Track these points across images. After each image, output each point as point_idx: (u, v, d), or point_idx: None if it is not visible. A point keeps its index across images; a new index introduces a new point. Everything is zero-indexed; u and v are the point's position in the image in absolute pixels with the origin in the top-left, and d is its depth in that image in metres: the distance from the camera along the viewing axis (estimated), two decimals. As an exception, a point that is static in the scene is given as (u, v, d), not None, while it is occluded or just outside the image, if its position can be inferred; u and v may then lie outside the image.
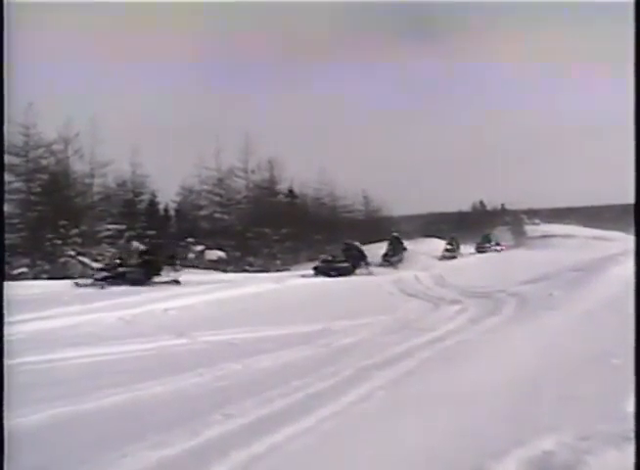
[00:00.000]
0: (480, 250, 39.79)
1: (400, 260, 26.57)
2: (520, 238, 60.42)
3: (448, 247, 35.10)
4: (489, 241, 42.58)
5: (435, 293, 15.12)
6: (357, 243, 25.08)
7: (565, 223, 62.98)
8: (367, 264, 24.32)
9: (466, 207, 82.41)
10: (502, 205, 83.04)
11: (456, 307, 11.44)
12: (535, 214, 77.46)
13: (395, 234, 28.60)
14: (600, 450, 3.44)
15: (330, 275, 21.64)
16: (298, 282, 19.11)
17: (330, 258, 24.03)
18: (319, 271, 22.26)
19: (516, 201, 78.43)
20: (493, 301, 11.97)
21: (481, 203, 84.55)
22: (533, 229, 65.17)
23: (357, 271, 23.31)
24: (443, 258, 32.36)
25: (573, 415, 4.16)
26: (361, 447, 3.75)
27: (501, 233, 57.60)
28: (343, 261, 23.36)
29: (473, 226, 61.63)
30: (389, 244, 27.75)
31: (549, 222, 67.75)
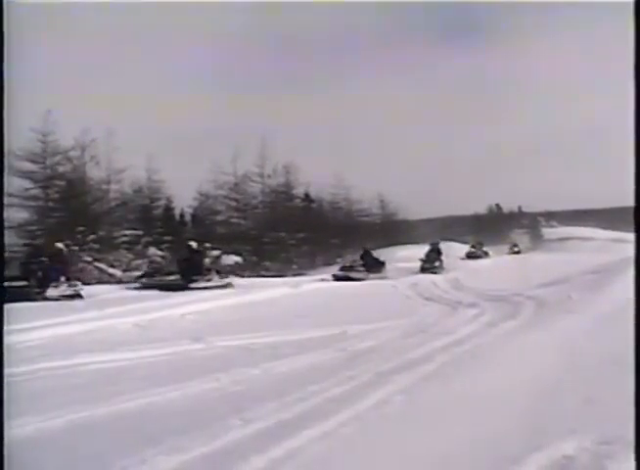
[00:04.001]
0: (425, 268, 26.86)
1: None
2: (537, 241, 60.22)
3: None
4: (439, 254, 29.12)
5: (453, 296, 15.05)
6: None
7: (583, 225, 62.53)
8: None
9: (483, 209, 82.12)
10: (519, 207, 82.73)
11: (474, 311, 11.37)
12: (553, 217, 77.10)
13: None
14: (620, 455, 3.40)
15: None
16: (315, 286, 19.11)
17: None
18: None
19: (533, 203, 78.14)
20: (511, 304, 11.89)
21: (498, 205, 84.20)
22: (551, 232, 64.87)
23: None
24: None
25: (593, 419, 4.12)
26: (380, 452, 3.73)
27: (518, 236, 57.43)
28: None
29: (490, 229, 61.46)
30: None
31: (567, 225, 67.38)
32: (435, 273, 25.06)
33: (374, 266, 24.38)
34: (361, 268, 23.71)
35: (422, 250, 29.26)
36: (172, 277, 18.20)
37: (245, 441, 3.96)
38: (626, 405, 4.23)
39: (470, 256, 37.16)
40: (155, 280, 18.23)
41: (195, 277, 17.93)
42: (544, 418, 4.27)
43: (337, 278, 22.39)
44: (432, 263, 27.30)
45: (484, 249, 39.88)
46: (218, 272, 19.80)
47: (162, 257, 27.16)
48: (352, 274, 22.81)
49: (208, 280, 18.33)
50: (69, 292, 15.27)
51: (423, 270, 26.22)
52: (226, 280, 19.17)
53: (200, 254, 20.07)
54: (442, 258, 28.77)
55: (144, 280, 18.73)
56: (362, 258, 24.87)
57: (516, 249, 46.37)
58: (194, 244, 19.75)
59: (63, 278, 15.54)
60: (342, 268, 24.07)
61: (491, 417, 4.32)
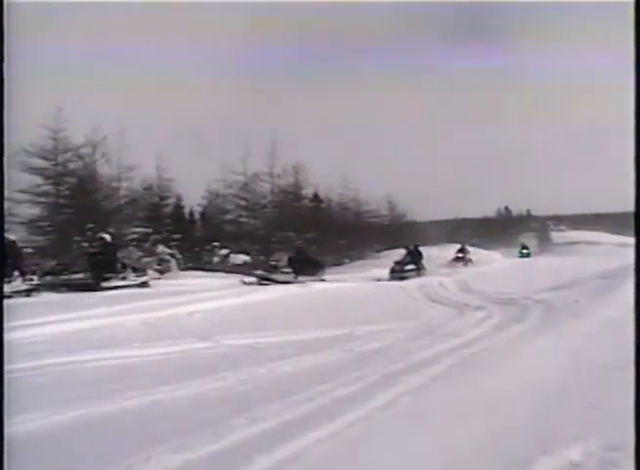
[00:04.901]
0: (395, 273, 25.07)
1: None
2: (545, 244, 60.17)
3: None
4: (419, 258, 27.02)
5: (460, 299, 15.01)
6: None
7: (591, 230, 62.39)
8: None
9: (492, 212, 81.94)
10: (528, 210, 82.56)
11: (481, 314, 11.34)
12: (561, 221, 76.97)
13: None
14: (627, 462, 3.39)
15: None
16: (322, 287, 19.11)
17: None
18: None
19: (542, 207, 78.01)
20: (519, 307, 11.85)
21: (507, 208, 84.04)
22: (559, 236, 64.76)
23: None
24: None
25: (600, 425, 4.11)
26: (386, 453, 3.73)
27: (527, 239, 57.36)
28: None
29: (498, 232, 61.40)
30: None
31: (575, 229, 67.24)
32: (404, 279, 23.45)
33: (306, 268, 22.74)
34: (287, 269, 22.40)
35: (429, 251, 29.15)
36: (81, 275, 16.40)
37: (250, 440, 3.97)
38: (632, 411, 4.23)
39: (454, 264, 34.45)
40: (62, 279, 16.22)
41: (107, 275, 16.63)
42: (550, 423, 4.26)
43: (259, 278, 21.07)
44: (401, 269, 25.54)
45: (471, 256, 36.87)
46: (135, 269, 18.18)
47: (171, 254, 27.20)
48: (275, 276, 21.37)
49: (123, 278, 17.02)
50: (24, 287, 14.45)
51: (392, 273, 25.09)
52: (143, 278, 17.64)
53: (114, 247, 18.28)
54: (423, 262, 26.98)
55: (49, 278, 16.23)
56: (291, 259, 23.39)
57: (525, 251, 46.47)
58: (107, 236, 18.12)
59: (16, 273, 14.53)
60: (266, 269, 22.91)
61: (498, 420, 4.32)
